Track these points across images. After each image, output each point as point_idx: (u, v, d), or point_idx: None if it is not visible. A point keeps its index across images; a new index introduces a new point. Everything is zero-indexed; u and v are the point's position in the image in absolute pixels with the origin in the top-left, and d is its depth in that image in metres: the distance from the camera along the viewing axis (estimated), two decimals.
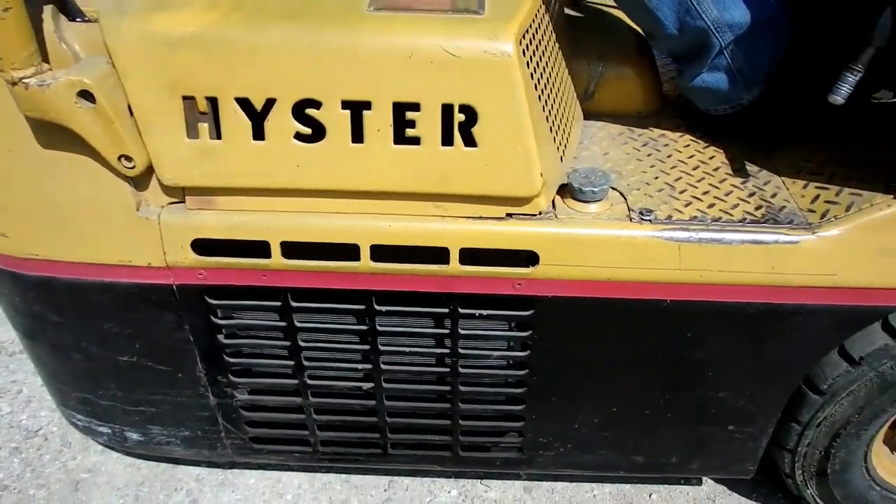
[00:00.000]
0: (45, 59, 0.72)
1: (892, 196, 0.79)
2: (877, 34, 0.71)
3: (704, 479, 1.14)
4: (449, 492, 1.08)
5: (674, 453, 1.02)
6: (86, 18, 0.75)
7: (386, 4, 0.73)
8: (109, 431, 1.02)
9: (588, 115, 0.99)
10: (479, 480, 1.09)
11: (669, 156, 0.92)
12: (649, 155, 0.92)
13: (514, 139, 0.73)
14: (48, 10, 0.73)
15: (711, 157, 0.92)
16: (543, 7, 0.82)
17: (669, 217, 0.80)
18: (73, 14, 0.75)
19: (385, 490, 1.07)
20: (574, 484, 1.10)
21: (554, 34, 0.87)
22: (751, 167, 0.90)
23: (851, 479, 1.02)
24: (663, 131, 0.97)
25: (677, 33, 0.83)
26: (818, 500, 1.06)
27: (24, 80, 0.68)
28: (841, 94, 0.75)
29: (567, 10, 1.04)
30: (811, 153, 0.91)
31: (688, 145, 0.94)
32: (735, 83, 0.87)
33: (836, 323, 0.86)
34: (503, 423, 0.97)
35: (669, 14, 0.81)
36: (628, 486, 1.11)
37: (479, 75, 0.71)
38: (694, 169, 0.89)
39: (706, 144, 0.94)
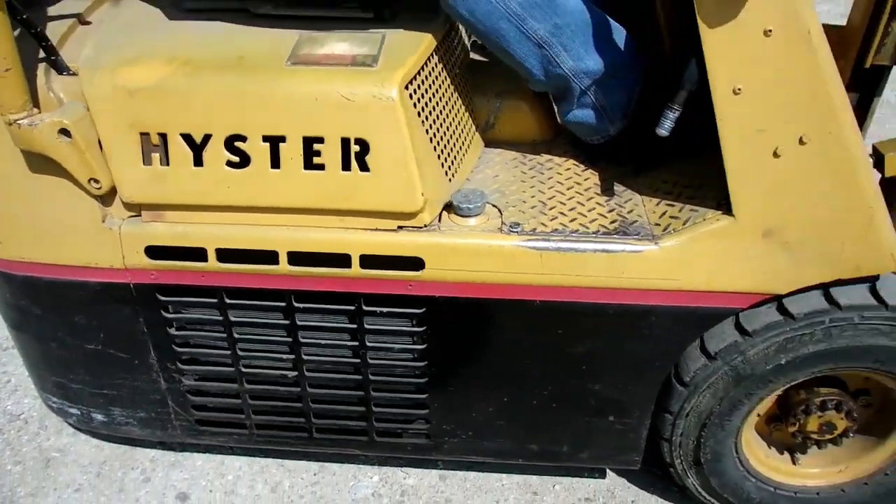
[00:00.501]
0: (36, 104, 0.93)
1: (721, 212, 0.95)
2: (685, 79, 0.89)
3: (608, 472, 1.27)
4: (371, 477, 1.22)
5: (564, 443, 1.15)
6: (71, 72, 0.96)
7: (300, 60, 0.94)
8: (78, 412, 1.19)
9: (490, 143, 1.17)
10: (399, 468, 1.23)
11: (550, 178, 1.09)
12: (533, 177, 1.09)
13: (399, 165, 0.92)
14: (42, 67, 0.95)
15: (586, 179, 1.09)
16: (437, 57, 1.01)
17: (534, 229, 0.97)
18: (61, 69, 0.96)
19: (315, 474, 1.22)
20: (485, 474, 1.24)
21: (450, 77, 1.06)
22: (618, 187, 1.07)
23: (725, 469, 1.14)
24: (552, 157, 1.14)
25: (545, 79, 1.01)
26: (699, 489, 1.18)
27: (18, 122, 0.89)
28: (664, 128, 0.92)
29: (473, 55, 1.24)
30: (669, 175, 1.07)
31: (569, 169, 1.12)
32: (601, 118, 1.05)
33: (690, 322, 1.01)
34: (411, 411, 1.13)
35: (535, 64, 0.99)
36: (535, 477, 1.24)
37: (369, 115, 0.90)
38: (568, 189, 1.07)
39: (585, 168, 1.11)
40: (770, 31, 0.81)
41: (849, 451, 1.16)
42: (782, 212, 0.90)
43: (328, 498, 1.19)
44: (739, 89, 0.84)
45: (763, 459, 1.18)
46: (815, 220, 0.91)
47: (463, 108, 1.10)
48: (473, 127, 1.13)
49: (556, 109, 1.12)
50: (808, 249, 0.93)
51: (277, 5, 1.02)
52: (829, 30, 0.89)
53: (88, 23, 1.07)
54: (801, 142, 0.86)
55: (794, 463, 1.18)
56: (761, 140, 0.87)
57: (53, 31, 1.01)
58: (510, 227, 0.97)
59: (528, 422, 1.13)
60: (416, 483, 1.22)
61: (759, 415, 1.14)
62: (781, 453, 1.18)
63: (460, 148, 1.07)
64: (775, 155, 0.87)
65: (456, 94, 1.08)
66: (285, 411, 1.14)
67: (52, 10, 1.09)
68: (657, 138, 0.96)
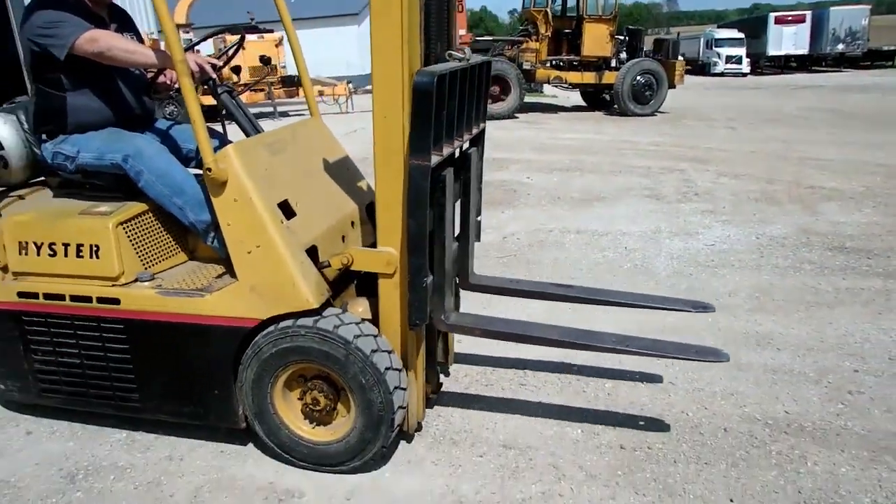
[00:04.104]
0: None
1: (235, 279, 2.01)
2: None
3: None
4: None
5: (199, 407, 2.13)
6: None
7: (84, 211, 2.18)
8: None
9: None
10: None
11: (200, 269, 2.20)
12: (196, 270, 2.21)
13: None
14: None
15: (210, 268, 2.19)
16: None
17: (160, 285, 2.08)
18: None
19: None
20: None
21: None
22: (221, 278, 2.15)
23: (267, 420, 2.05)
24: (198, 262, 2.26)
25: (188, 225, 2.17)
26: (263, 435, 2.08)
27: None
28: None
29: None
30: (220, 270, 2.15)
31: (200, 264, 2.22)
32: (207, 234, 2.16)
33: (231, 333, 2.01)
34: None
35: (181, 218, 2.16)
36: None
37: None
38: (193, 271, 2.17)
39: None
40: (236, 199, 1.93)
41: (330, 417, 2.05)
42: (256, 279, 1.94)
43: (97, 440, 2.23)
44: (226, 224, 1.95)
45: (294, 422, 2.07)
46: (270, 284, 1.93)
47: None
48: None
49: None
50: (269, 297, 1.94)
51: None
52: None
53: None
54: (254, 248, 1.93)
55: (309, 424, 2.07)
56: (241, 247, 1.94)
57: None
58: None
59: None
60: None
61: (285, 386, 2.04)
62: (306, 418, 2.07)
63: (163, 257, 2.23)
64: (249, 253, 1.94)
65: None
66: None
67: None
68: None
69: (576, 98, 14.96)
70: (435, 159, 1.86)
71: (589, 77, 12.53)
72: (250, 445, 2.21)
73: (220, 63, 2.30)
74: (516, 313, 2.87)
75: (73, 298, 2.14)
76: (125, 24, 2.42)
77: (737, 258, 4.08)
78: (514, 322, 2.29)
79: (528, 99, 15.19)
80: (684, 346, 2.19)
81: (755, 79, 25.32)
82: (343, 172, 2.46)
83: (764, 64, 28.84)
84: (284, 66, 12.73)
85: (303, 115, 11.52)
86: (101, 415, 2.32)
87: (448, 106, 1.91)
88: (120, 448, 2.25)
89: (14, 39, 5.95)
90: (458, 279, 2.43)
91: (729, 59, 27.37)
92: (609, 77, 12.35)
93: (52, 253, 2.14)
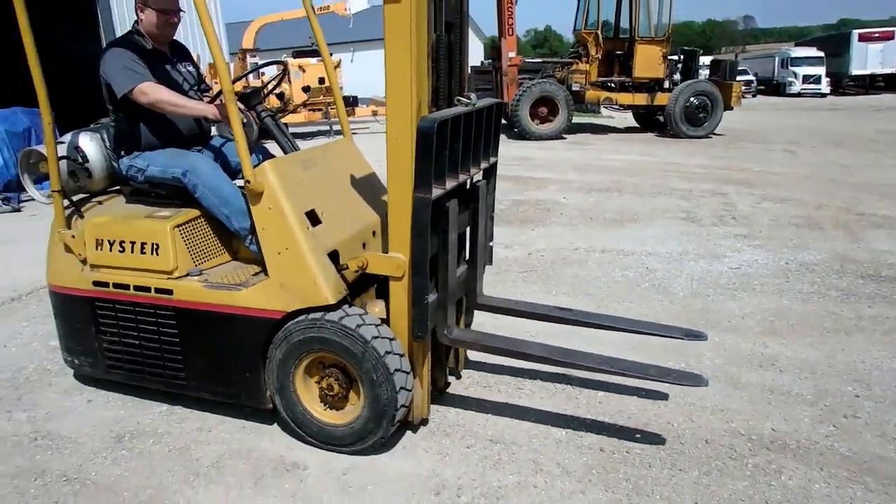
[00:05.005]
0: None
1: (266, 277, 2.33)
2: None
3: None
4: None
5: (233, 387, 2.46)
6: None
7: (149, 215, 2.58)
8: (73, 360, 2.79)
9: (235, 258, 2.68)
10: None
11: (238, 267, 2.55)
12: (237, 267, 2.56)
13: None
14: None
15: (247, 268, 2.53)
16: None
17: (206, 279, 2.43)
18: None
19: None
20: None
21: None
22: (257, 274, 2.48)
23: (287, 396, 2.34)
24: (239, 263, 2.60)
25: (232, 230, 2.52)
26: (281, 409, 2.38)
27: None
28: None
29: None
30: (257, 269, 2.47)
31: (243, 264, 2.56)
32: (250, 241, 2.50)
33: (264, 323, 2.33)
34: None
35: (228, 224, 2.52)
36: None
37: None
38: (234, 269, 2.51)
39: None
40: (270, 208, 2.26)
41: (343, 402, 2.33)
42: (284, 277, 2.26)
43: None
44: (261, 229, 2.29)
45: (311, 403, 2.36)
46: (293, 282, 2.24)
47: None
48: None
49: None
50: (294, 293, 2.25)
51: None
52: None
53: None
54: (284, 250, 2.25)
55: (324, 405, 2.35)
56: (273, 249, 2.27)
57: None
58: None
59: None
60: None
61: (305, 372, 2.33)
62: (321, 401, 2.35)
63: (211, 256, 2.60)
64: (279, 254, 2.26)
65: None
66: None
67: None
68: None
69: (631, 120, 14.93)
70: (437, 192, 2.13)
71: (640, 98, 12.52)
72: (269, 425, 2.53)
73: (265, 92, 2.69)
74: (532, 329, 3.06)
75: (136, 288, 2.53)
76: (183, 56, 2.86)
77: (759, 282, 4.09)
78: (510, 339, 2.51)
79: (583, 120, 15.28)
80: (666, 370, 2.36)
81: (835, 99, 24.18)
82: (368, 187, 2.77)
83: (847, 84, 27.14)
84: (342, 88, 13.43)
85: (357, 132, 12.12)
86: (149, 390, 2.70)
87: (452, 146, 2.17)
88: (160, 418, 2.63)
89: None
90: (467, 298, 2.67)
91: (806, 78, 26.15)
92: (661, 98, 12.30)
93: (121, 249, 2.55)
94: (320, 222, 2.37)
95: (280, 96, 3.66)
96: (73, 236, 2.65)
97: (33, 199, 8.42)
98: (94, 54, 2.78)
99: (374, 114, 13.00)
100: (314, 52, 12.01)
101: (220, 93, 2.73)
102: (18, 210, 7.16)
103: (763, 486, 2.11)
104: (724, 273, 4.29)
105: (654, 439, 2.38)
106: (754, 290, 3.96)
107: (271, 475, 2.24)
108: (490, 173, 2.64)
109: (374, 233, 2.67)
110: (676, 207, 6.30)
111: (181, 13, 2.69)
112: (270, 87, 2.76)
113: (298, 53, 14.06)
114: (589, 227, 5.65)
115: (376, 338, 2.19)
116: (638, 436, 2.42)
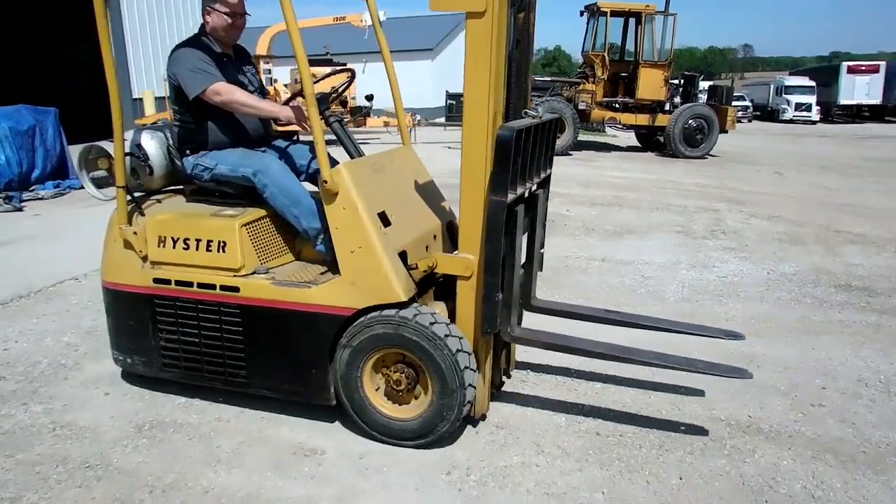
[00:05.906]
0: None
1: (338, 275, 2.37)
2: None
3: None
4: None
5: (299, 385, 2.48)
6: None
7: (215, 214, 2.62)
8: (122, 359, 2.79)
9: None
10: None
11: (304, 267, 2.58)
12: (302, 266, 2.60)
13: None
14: None
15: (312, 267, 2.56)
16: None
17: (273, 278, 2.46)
18: None
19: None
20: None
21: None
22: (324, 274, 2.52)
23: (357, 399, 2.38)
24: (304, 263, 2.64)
25: (300, 232, 2.56)
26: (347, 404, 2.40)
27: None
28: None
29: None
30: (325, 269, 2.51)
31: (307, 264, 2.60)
32: (317, 241, 2.54)
33: (335, 319, 2.36)
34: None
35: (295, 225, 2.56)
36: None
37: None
38: (300, 268, 2.55)
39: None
40: (345, 207, 2.31)
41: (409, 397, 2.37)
42: (356, 275, 2.30)
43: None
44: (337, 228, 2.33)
45: (380, 401, 2.39)
46: (365, 280, 2.28)
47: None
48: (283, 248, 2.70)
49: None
50: (366, 290, 2.29)
51: None
52: None
53: None
54: (357, 249, 2.29)
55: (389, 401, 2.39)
56: (346, 247, 2.31)
57: None
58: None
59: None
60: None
61: (372, 368, 2.37)
62: (386, 396, 2.39)
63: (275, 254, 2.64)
64: (352, 253, 2.31)
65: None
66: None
67: None
68: None
69: (633, 139, 15.23)
70: (510, 197, 2.22)
71: (643, 119, 12.81)
72: (287, 415, 2.59)
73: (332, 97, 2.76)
74: (573, 329, 3.12)
75: (200, 286, 2.55)
76: (245, 59, 2.91)
77: (744, 290, 4.35)
78: (568, 337, 2.59)
79: (587, 138, 15.50)
80: (713, 364, 2.52)
81: (824, 127, 25.13)
82: (429, 194, 2.83)
83: (835, 112, 28.33)
84: (354, 98, 13.49)
85: (367, 144, 12.20)
86: (167, 383, 2.75)
87: (522, 154, 2.29)
88: (179, 410, 2.68)
89: None
90: (521, 301, 2.74)
91: (798, 106, 27.09)
92: (662, 119, 12.60)
93: (185, 246, 2.57)
94: (390, 223, 2.43)
95: (343, 103, 3.72)
96: (136, 233, 2.67)
97: (35, 199, 8.36)
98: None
99: (386, 125, 13.07)
100: (328, 62, 12.10)
101: (293, 95, 2.81)
102: (20, 209, 7.12)
103: (739, 463, 2.34)
104: (713, 281, 4.54)
105: (645, 424, 2.59)
106: (739, 296, 4.21)
107: (291, 460, 2.33)
108: (545, 184, 2.72)
109: (434, 236, 2.72)
110: (672, 222, 6.54)
111: (246, 16, 2.75)
112: (339, 90, 2.83)
113: (311, 63, 14.11)
114: (590, 237, 5.84)
115: (448, 336, 2.23)
116: (630, 421, 2.61)
